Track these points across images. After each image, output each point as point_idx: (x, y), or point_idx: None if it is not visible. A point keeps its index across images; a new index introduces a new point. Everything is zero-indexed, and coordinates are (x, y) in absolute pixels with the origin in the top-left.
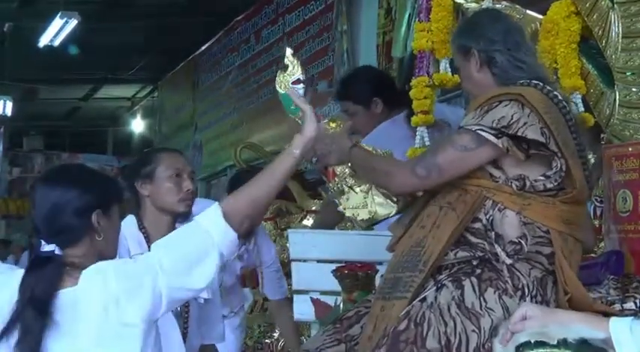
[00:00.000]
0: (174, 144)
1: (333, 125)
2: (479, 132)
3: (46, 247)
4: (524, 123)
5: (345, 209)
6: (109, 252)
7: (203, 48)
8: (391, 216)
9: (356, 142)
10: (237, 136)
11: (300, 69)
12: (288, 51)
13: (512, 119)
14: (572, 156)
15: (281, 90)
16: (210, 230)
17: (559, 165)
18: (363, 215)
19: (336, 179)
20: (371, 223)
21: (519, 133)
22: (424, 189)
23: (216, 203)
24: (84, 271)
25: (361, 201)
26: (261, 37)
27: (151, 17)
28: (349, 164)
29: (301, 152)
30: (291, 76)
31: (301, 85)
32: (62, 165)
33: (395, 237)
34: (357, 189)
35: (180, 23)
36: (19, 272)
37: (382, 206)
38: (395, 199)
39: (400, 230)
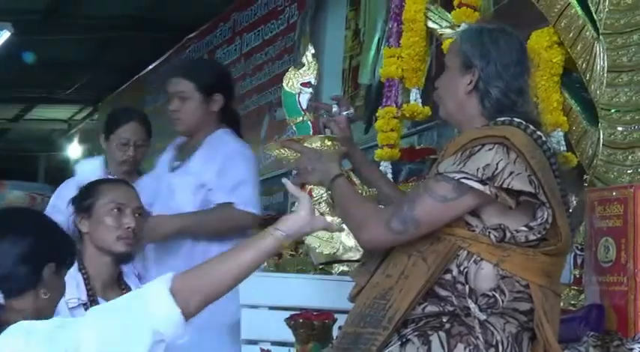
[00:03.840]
0: None
1: (328, 143)
2: (462, 180)
3: None
4: (510, 173)
5: (307, 235)
6: (48, 313)
7: (151, 66)
8: (353, 260)
9: (345, 172)
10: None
11: (315, 73)
12: (311, 50)
13: (497, 168)
14: (558, 205)
15: (287, 88)
16: (150, 306)
17: (545, 215)
18: (325, 249)
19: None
20: (331, 261)
21: (504, 185)
22: (399, 244)
23: (169, 275)
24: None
25: (328, 234)
26: (216, 57)
27: (94, 31)
28: (329, 191)
29: (289, 235)
30: (302, 77)
31: (310, 89)
32: (19, 208)
33: (357, 285)
34: (329, 219)
35: (127, 38)
36: None
37: (348, 246)
38: None
39: (364, 278)
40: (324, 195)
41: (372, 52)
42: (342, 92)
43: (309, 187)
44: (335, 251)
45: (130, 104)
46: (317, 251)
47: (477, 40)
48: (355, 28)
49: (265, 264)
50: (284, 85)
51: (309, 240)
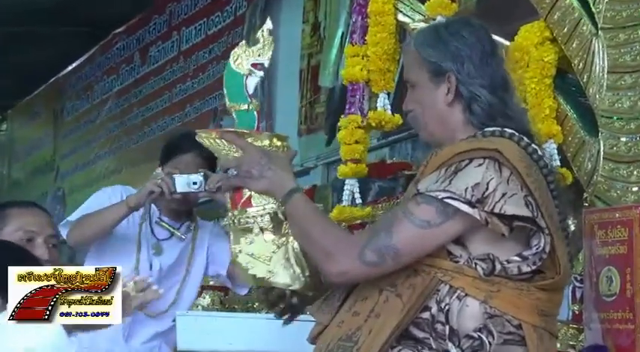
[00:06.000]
0: (28, 194)
1: (277, 143)
2: (446, 200)
3: None
4: (503, 195)
5: (239, 252)
6: None
7: (70, 68)
8: (290, 288)
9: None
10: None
11: (269, 53)
12: (268, 25)
13: (487, 188)
14: (557, 232)
15: (233, 66)
16: None
17: (542, 244)
18: (258, 271)
19: (248, 210)
20: (262, 285)
21: (496, 210)
22: (374, 277)
23: None
24: None
25: (266, 254)
26: (149, 55)
27: None
28: (279, 204)
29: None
30: (254, 56)
31: (261, 73)
32: None
33: (319, 324)
34: (270, 237)
35: (40, 35)
36: None
37: (287, 273)
38: (308, 273)
39: (326, 315)
40: (266, 207)
41: (335, 50)
42: (300, 96)
43: (247, 193)
44: (269, 277)
45: (46, 111)
46: (249, 272)
47: (437, 40)
48: (314, 21)
49: (209, 301)
50: (230, 62)
51: (241, 258)
